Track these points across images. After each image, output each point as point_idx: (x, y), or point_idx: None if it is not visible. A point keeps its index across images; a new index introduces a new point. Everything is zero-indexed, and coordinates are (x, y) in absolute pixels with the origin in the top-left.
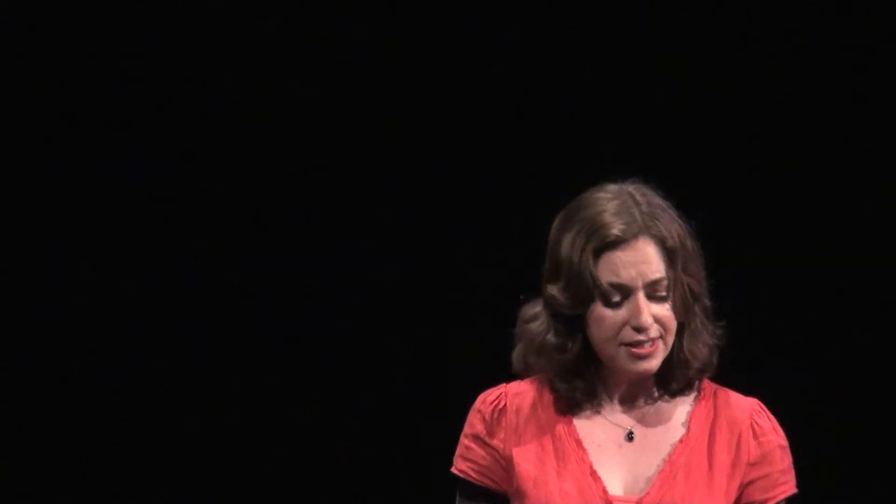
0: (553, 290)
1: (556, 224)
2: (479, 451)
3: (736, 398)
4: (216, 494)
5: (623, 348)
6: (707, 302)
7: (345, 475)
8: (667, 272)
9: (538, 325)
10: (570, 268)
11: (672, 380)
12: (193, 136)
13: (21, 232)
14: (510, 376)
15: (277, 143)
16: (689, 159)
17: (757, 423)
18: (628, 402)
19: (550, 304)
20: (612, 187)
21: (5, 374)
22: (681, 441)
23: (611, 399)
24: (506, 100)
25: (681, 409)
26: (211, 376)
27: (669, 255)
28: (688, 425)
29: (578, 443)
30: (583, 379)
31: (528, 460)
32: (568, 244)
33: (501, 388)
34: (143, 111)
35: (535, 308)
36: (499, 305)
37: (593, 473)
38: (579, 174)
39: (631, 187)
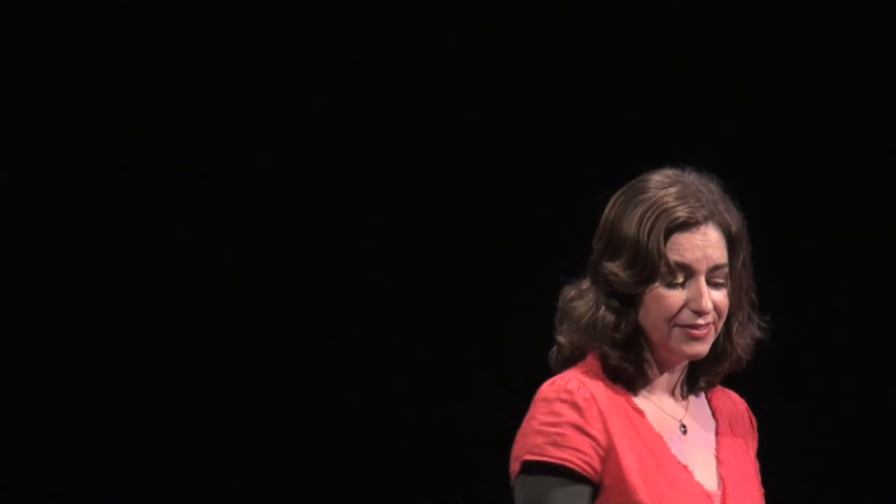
0: (613, 267)
1: (615, 203)
2: (579, 439)
3: (729, 391)
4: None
5: (678, 329)
6: (753, 296)
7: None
8: (728, 260)
9: (585, 304)
10: (637, 246)
11: (709, 370)
12: (192, 136)
13: (19, 232)
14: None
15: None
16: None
17: (752, 416)
18: (671, 393)
19: (609, 282)
20: (673, 171)
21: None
22: (717, 433)
23: (657, 390)
24: (499, 102)
25: (703, 401)
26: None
27: (732, 243)
28: (715, 418)
29: (659, 436)
30: (634, 353)
31: (629, 451)
32: (634, 222)
33: (572, 377)
34: (140, 110)
35: (577, 288)
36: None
37: (685, 467)
38: (579, 175)
39: (692, 174)
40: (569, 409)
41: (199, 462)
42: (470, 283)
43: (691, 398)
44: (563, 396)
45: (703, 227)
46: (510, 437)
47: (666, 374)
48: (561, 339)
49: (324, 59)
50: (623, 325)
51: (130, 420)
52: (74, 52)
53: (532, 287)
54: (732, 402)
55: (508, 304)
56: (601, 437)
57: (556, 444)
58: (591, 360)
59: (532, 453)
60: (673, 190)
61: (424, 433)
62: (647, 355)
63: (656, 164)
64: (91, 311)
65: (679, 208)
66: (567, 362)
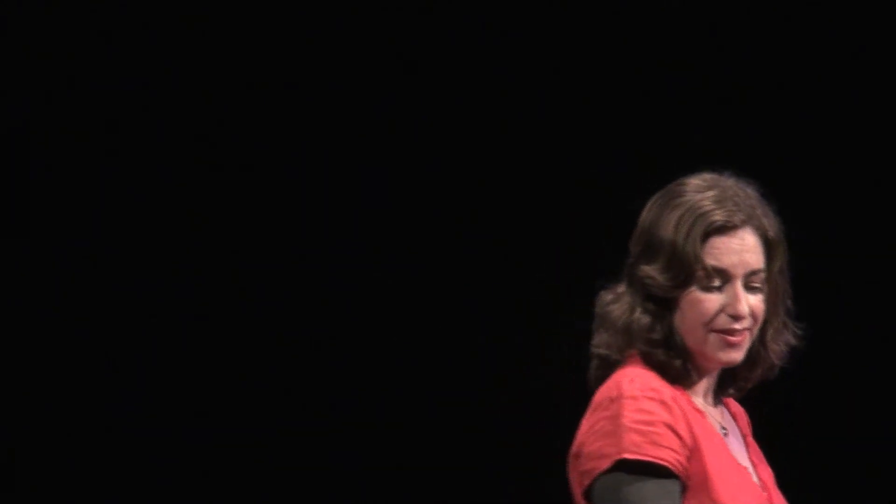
0: (650, 270)
1: (651, 207)
2: (672, 438)
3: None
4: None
5: (714, 334)
6: (789, 302)
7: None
8: (765, 264)
9: (620, 307)
10: (674, 249)
11: (742, 376)
12: (191, 136)
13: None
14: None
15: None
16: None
17: (750, 420)
18: (708, 397)
19: (645, 285)
20: (710, 176)
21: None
22: (743, 436)
23: (699, 393)
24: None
25: (723, 406)
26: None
27: (769, 248)
28: (737, 422)
29: (720, 436)
30: (675, 351)
31: (708, 451)
32: (671, 226)
33: (649, 376)
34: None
35: (613, 292)
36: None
37: (745, 468)
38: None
39: (730, 179)
40: (659, 408)
41: (198, 462)
42: (470, 284)
43: (721, 400)
44: (650, 395)
45: (740, 232)
46: (510, 439)
47: (704, 379)
48: (598, 342)
49: (323, 59)
50: (658, 328)
51: (130, 420)
52: (74, 52)
53: (532, 288)
54: (737, 406)
55: (509, 306)
56: (687, 437)
57: (654, 444)
58: (637, 361)
59: (630, 452)
60: (710, 194)
61: (424, 435)
62: (686, 357)
63: (667, 169)
64: (90, 311)
65: (717, 212)
66: (607, 366)
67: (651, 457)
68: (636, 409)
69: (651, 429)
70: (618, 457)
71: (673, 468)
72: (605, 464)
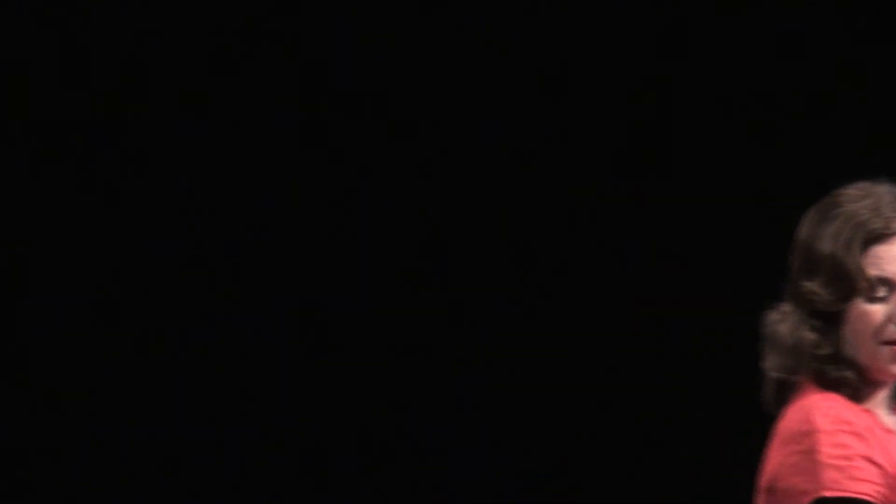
0: (812, 285)
1: (808, 220)
2: (871, 471)
3: None
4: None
5: (885, 347)
6: None
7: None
8: None
9: (787, 326)
10: (835, 262)
11: None
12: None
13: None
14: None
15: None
16: None
17: None
18: (882, 412)
19: (809, 301)
20: (865, 184)
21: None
22: None
23: (880, 411)
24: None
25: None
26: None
27: None
28: None
29: None
30: (846, 364)
31: None
32: (830, 238)
33: (840, 406)
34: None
35: (779, 311)
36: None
37: None
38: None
39: (884, 185)
40: (854, 440)
41: (198, 462)
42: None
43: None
44: (845, 427)
45: None
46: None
47: (881, 393)
48: (770, 364)
49: (324, 59)
50: (826, 343)
51: (129, 420)
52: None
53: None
54: None
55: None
56: (887, 465)
57: (853, 478)
58: (813, 386)
59: (830, 489)
60: (866, 202)
61: (424, 438)
62: (858, 371)
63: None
64: (89, 311)
65: (874, 220)
66: (783, 389)
67: (852, 492)
68: (832, 443)
69: (849, 463)
70: (817, 494)
71: (874, 500)
72: (805, 501)
